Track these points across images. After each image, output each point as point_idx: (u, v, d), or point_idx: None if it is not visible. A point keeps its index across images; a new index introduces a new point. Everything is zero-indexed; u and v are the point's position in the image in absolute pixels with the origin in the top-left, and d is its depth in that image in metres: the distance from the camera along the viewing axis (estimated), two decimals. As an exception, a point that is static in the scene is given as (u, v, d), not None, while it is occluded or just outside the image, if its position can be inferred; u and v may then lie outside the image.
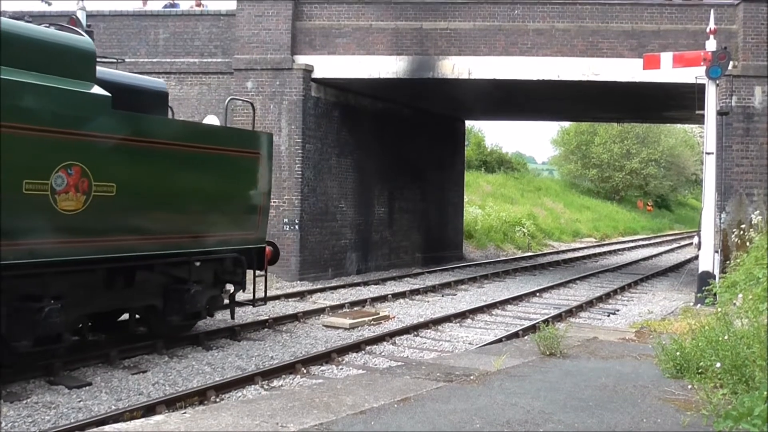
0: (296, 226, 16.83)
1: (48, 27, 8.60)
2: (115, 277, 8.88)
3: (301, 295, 14.80)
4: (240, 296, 11.27)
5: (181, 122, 10.71)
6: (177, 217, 9.45)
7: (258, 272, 11.11)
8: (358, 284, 16.95)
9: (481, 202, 32.53)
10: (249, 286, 11.01)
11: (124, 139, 8.49)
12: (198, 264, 9.87)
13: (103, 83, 8.46)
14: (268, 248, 11.07)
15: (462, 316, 13.17)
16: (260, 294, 11.36)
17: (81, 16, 11.12)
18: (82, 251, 8.12)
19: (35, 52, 7.78)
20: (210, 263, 10.18)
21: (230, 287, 10.95)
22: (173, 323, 9.76)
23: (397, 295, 15.29)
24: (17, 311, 7.60)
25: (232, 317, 10.99)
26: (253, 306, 11.35)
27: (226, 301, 10.88)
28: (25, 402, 7.34)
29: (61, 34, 8.47)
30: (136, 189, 8.64)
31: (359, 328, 11.84)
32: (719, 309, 7.13)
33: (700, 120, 14.61)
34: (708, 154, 13.70)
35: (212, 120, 11.14)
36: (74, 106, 8.01)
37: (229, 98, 11.73)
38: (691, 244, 19.07)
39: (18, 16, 8.84)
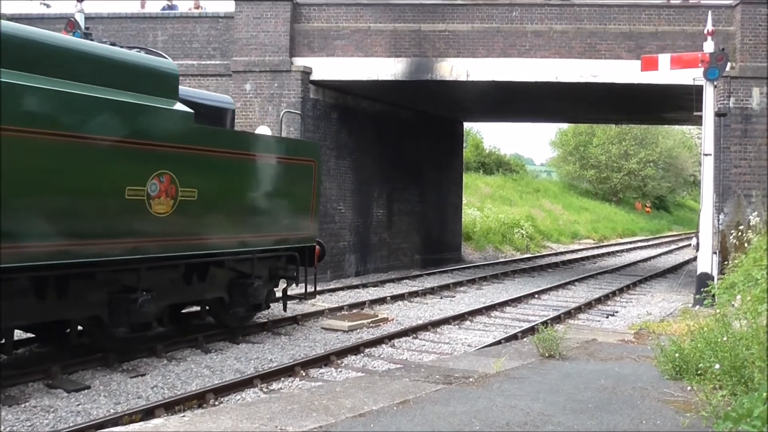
0: (295, 229, 16.82)
1: (139, 51, 9.73)
2: (192, 272, 9.93)
3: (291, 298, 14.74)
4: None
5: (249, 134, 11.77)
6: (245, 219, 10.47)
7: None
8: (356, 286, 16.94)
9: (479, 204, 32.54)
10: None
11: (204, 150, 9.57)
12: (260, 260, 10.85)
13: (184, 101, 9.45)
14: (317, 247, 12.01)
15: (461, 318, 13.17)
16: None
17: (79, 18, 11.11)
18: (170, 249, 9.14)
19: (133, 75, 8.79)
20: (269, 260, 11.20)
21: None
22: (238, 314, 10.83)
23: (395, 297, 15.28)
24: (117, 301, 8.65)
25: (285, 309, 11.95)
26: (305, 299, 12.36)
27: (279, 294, 11.75)
28: (23, 406, 7.33)
29: (150, 57, 9.54)
30: (212, 194, 9.68)
31: (358, 330, 11.83)
32: (718, 310, 7.13)
33: (698, 121, 14.63)
34: (706, 155, 13.72)
35: (264, 130, 12.08)
36: (165, 122, 9.03)
37: (284, 111, 12.59)
38: (690, 245, 19.08)
39: (106, 41, 9.65)
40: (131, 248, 8.55)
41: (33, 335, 9.64)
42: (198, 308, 10.97)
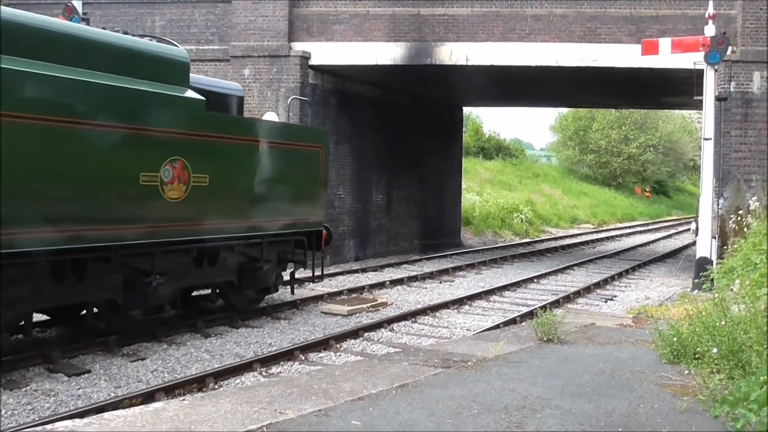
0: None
1: (150, 40, 9.86)
2: (203, 256, 10.22)
3: (299, 281, 14.78)
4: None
5: (259, 120, 11.86)
6: (255, 204, 10.70)
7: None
8: (356, 271, 16.96)
9: (479, 189, 32.53)
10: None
11: (215, 137, 9.77)
12: (269, 245, 11.11)
13: (194, 88, 9.62)
14: (324, 231, 12.25)
15: (460, 302, 13.20)
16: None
17: (77, 4, 11.07)
18: (182, 234, 9.38)
19: (146, 63, 8.99)
20: (278, 244, 11.51)
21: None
22: (248, 297, 11.21)
23: (395, 282, 15.31)
24: (132, 284, 8.90)
25: (292, 292, 12.23)
26: (313, 282, 12.71)
27: (287, 278, 12.09)
28: (24, 390, 7.36)
29: (162, 45, 9.71)
30: (223, 179, 9.87)
31: (357, 314, 11.86)
32: (716, 295, 7.16)
33: (698, 106, 14.58)
34: (706, 139, 13.69)
35: (271, 116, 12.25)
36: (177, 109, 9.26)
37: (291, 97, 12.67)
38: (689, 230, 19.09)
39: (117, 30, 9.75)
40: (146, 233, 8.79)
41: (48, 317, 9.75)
42: (209, 291, 11.14)
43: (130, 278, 8.94)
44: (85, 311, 9.32)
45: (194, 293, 11.42)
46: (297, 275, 12.45)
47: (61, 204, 7.79)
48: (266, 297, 12.19)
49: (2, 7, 7.97)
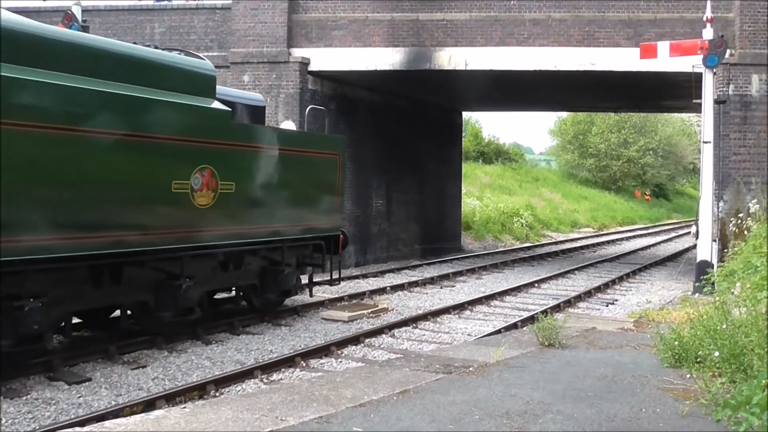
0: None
1: (180, 53, 10.25)
2: (229, 260, 10.57)
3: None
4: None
5: (281, 130, 12.27)
6: (277, 209, 11.13)
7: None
8: (356, 277, 16.95)
9: (479, 194, 32.53)
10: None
11: (241, 146, 10.22)
12: (289, 249, 11.54)
13: (220, 99, 10.04)
14: (341, 236, 12.63)
15: (460, 307, 13.19)
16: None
17: (77, 11, 11.10)
18: (211, 238, 9.81)
19: (177, 77, 9.45)
20: (298, 248, 11.91)
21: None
22: (270, 300, 11.55)
23: (395, 288, 15.30)
24: (163, 287, 9.31)
25: (311, 295, 12.69)
26: (330, 285, 13.00)
27: (305, 281, 12.51)
28: (25, 398, 7.35)
29: (191, 59, 10.11)
30: (248, 186, 10.35)
31: (358, 320, 11.84)
32: (717, 298, 7.14)
33: (697, 109, 14.59)
34: (705, 143, 13.69)
35: (289, 125, 12.59)
36: (207, 120, 9.71)
37: (309, 107, 12.99)
38: (689, 233, 19.08)
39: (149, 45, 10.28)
40: (177, 238, 9.24)
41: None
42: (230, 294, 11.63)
43: (162, 281, 9.38)
44: (110, 314, 9.89)
45: (216, 296, 11.86)
46: (314, 278, 12.81)
47: (100, 211, 8.21)
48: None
49: (65, 29, 8.84)
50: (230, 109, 10.04)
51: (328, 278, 12.66)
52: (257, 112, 11.88)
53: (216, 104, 9.86)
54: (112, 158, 8.28)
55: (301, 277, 12.42)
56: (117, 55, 8.74)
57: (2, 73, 7.13)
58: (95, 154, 8.07)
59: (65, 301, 8.27)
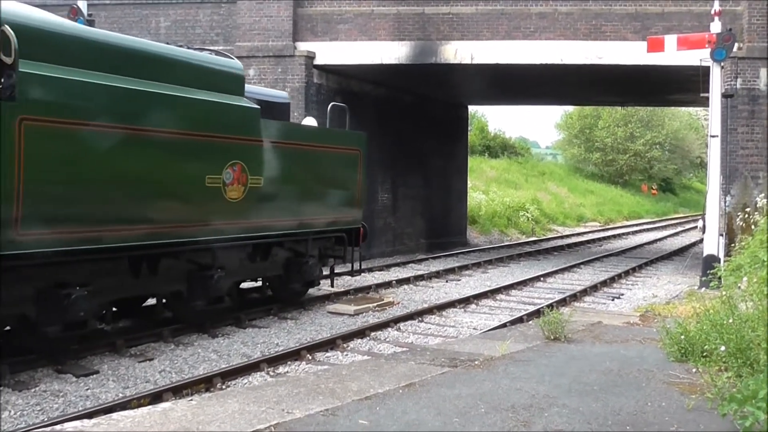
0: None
1: (211, 54, 10.61)
2: (257, 251, 11.00)
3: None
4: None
5: (306, 126, 12.54)
6: (302, 203, 11.55)
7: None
8: (341, 274, 16.88)
9: (484, 188, 32.48)
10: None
11: (269, 142, 10.59)
12: (313, 241, 11.94)
13: (248, 97, 10.43)
14: (362, 228, 13.03)
15: (466, 301, 13.19)
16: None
17: (82, 5, 11.11)
18: (241, 231, 10.23)
19: (210, 76, 9.86)
20: (321, 240, 12.31)
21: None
22: (295, 290, 11.98)
23: (401, 281, 15.31)
24: (196, 278, 9.76)
25: (332, 285, 13.19)
26: (351, 276, 13.54)
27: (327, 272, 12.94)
28: (33, 390, 7.39)
29: (221, 59, 10.50)
30: (276, 181, 10.70)
31: (364, 314, 11.86)
32: (724, 292, 7.14)
33: (704, 103, 14.53)
34: (713, 137, 13.64)
35: (310, 121, 12.84)
36: (237, 117, 10.09)
37: (331, 104, 13.23)
38: (696, 227, 19.03)
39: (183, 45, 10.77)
40: (210, 230, 9.65)
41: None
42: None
43: (194, 272, 9.81)
44: (143, 303, 10.44)
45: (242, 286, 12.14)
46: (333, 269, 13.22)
47: (140, 205, 8.66)
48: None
49: (109, 32, 9.28)
50: (259, 107, 10.38)
51: (350, 269, 13.07)
52: (283, 109, 12.25)
53: (245, 102, 10.26)
54: (152, 154, 8.74)
55: (323, 268, 12.83)
56: (156, 56, 9.21)
57: (68, 76, 7.72)
58: (137, 150, 8.53)
59: (107, 290, 8.72)
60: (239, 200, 9.98)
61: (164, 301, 10.17)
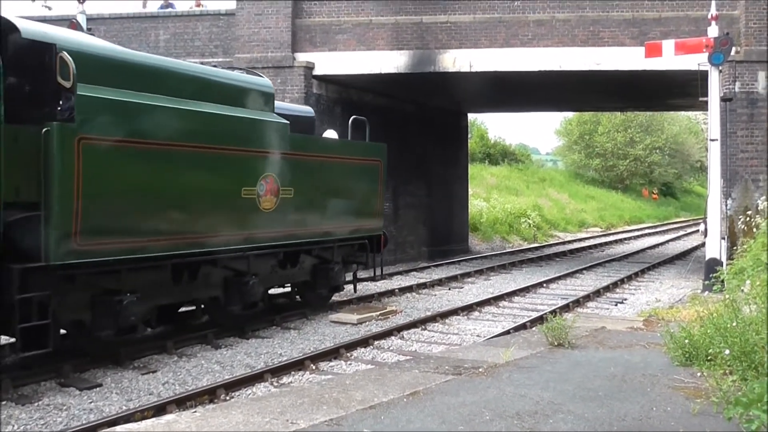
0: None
1: (242, 72, 11.42)
2: (287, 259, 11.65)
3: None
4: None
5: (331, 140, 13.09)
6: (328, 212, 12.13)
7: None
8: (364, 279, 16.93)
9: (485, 195, 32.49)
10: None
11: (298, 155, 11.28)
12: (338, 248, 12.56)
13: (277, 113, 11.05)
14: (383, 236, 13.69)
15: (469, 308, 13.18)
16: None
17: (81, 19, 11.17)
18: (273, 239, 10.89)
19: (243, 94, 10.55)
20: (345, 248, 12.91)
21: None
22: (321, 295, 12.63)
23: (404, 290, 15.29)
24: (232, 284, 10.35)
25: (355, 291, 13.73)
26: (373, 281, 14.31)
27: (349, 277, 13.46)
28: (36, 404, 7.38)
29: (252, 78, 11.24)
30: (304, 191, 11.40)
31: (367, 323, 11.85)
32: (727, 296, 7.12)
33: (703, 107, 14.53)
34: (712, 140, 13.65)
35: (331, 134, 13.33)
36: (269, 132, 10.70)
37: (352, 118, 13.62)
38: (698, 231, 19.02)
39: (228, 66, 11.73)
40: (245, 239, 10.32)
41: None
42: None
43: (231, 278, 10.38)
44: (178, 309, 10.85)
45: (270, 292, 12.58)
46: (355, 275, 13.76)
47: (183, 216, 9.26)
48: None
49: (154, 56, 10.26)
50: (288, 122, 11.00)
51: (371, 275, 13.73)
52: (308, 124, 12.91)
53: (276, 118, 10.90)
54: (195, 169, 9.40)
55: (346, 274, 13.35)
56: (197, 76, 9.96)
57: (119, 98, 8.34)
58: (181, 165, 9.18)
59: (153, 297, 9.21)
60: (272, 210, 10.65)
61: (203, 306, 10.70)
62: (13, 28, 7.84)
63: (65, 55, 7.80)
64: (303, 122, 12.48)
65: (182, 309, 10.92)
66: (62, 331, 8.66)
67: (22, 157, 7.45)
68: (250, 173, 10.29)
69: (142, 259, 8.72)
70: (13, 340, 8.05)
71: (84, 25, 10.99)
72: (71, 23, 10.70)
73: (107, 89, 8.22)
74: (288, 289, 13.03)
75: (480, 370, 6.38)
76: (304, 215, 11.49)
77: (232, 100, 10.16)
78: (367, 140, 13.64)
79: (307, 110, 13.51)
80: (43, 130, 7.58)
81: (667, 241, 31.14)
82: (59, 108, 7.92)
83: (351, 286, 13.73)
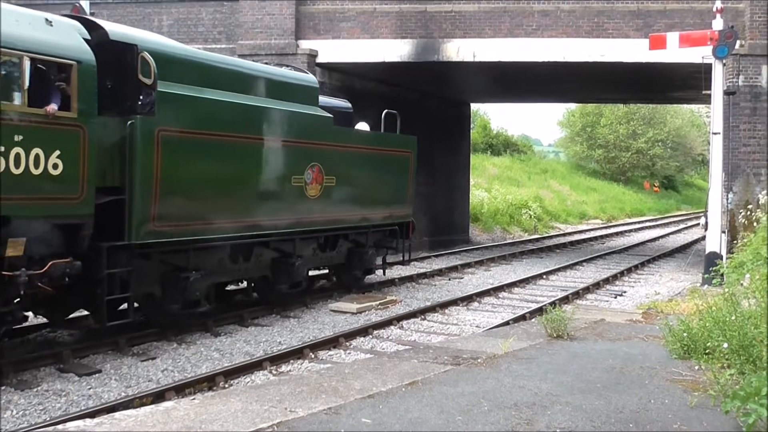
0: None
1: (288, 68, 12.36)
2: (326, 242, 12.56)
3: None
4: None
5: (368, 132, 13.88)
6: (365, 199, 13.03)
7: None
8: (394, 263, 16.79)
9: (487, 185, 32.45)
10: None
11: (339, 146, 12.21)
12: (372, 233, 13.44)
13: (320, 106, 11.99)
14: (411, 222, 14.50)
15: (469, 299, 13.19)
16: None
17: (84, 4, 11.12)
18: (317, 224, 11.81)
19: (293, 90, 11.48)
20: (377, 233, 13.75)
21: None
22: (356, 276, 13.57)
23: (403, 279, 15.30)
24: (280, 264, 11.26)
25: (384, 273, 14.64)
26: (402, 265, 15.26)
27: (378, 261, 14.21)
28: (35, 390, 7.40)
29: (299, 74, 12.24)
30: (345, 180, 12.28)
31: (366, 312, 11.87)
32: (726, 289, 7.13)
33: (706, 100, 14.51)
34: (715, 134, 13.61)
35: (363, 126, 13.97)
36: (315, 124, 11.68)
37: (385, 111, 14.27)
38: (698, 224, 19.01)
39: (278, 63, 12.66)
40: (293, 223, 11.26)
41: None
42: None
43: (278, 259, 11.24)
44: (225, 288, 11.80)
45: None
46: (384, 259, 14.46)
47: (242, 201, 10.19)
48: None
49: (220, 55, 11.42)
50: (332, 116, 11.92)
51: (401, 259, 14.62)
52: (347, 116, 13.61)
53: (321, 111, 11.86)
54: (253, 158, 10.32)
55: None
56: (255, 74, 10.83)
57: (191, 93, 9.24)
58: (242, 155, 10.08)
59: (214, 274, 10.13)
60: (316, 197, 11.60)
61: (253, 284, 11.64)
62: (102, 32, 8.69)
63: (146, 54, 8.67)
64: (342, 115, 13.21)
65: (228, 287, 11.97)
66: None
67: (108, 147, 8.29)
68: (299, 163, 11.20)
69: (207, 240, 9.64)
70: (86, 313, 9.21)
71: (87, 9, 10.95)
72: (74, 7, 10.65)
73: (181, 86, 9.13)
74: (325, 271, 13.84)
75: (479, 360, 6.40)
76: (344, 202, 12.36)
77: (284, 95, 11.09)
78: (398, 132, 14.32)
79: (346, 104, 14.19)
80: (128, 122, 8.44)
81: (668, 234, 31.13)
82: (140, 102, 8.80)
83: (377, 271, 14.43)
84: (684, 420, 4.69)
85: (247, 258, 10.73)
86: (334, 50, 17.09)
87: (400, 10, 16.92)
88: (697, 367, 5.90)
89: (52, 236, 7.67)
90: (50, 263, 7.56)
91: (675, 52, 14.08)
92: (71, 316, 9.37)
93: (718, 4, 13.47)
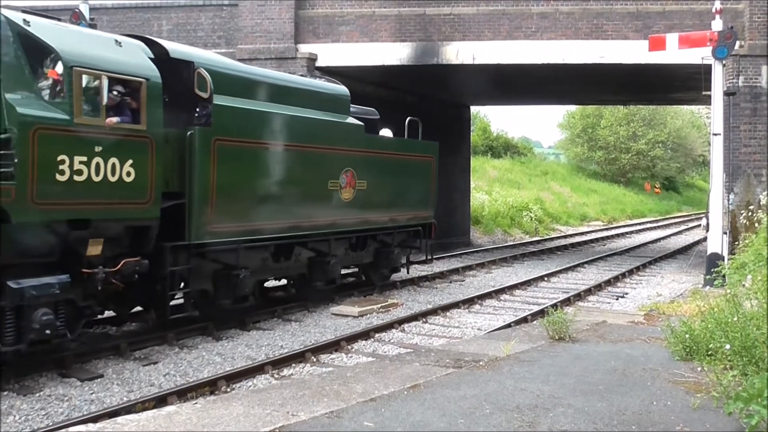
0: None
1: (320, 79, 13.44)
2: (357, 242, 13.35)
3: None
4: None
5: (395, 138, 14.68)
6: (392, 202, 13.90)
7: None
8: (417, 262, 16.76)
9: (487, 188, 32.45)
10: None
11: (370, 152, 13.13)
12: (397, 234, 14.31)
13: (351, 115, 12.86)
14: (433, 224, 15.32)
15: (470, 302, 13.18)
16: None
17: (84, 9, 11.12)
18: (350, 225, 12.66)
19: (328, 100, 12.33)
20: (403, 233, 14.62)
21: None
22: (383, 275, 14.43)
23: (405, 282, 15.29)
24: (316, 263, 12.12)
25: (408, 272, 15.39)
26: (426, 263, 15.86)
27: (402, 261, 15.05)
28: (38, 395, 7.40)
29: (332, 85, 13.12)
30: (375, 184, 13.10)
31: (368, 315, 11.86)
32: (728, 290, 7.11)
33: (706, 101, 14.52)
34: (715, 135, 13.62)
35: (387, 132, 14.61)
36: (349, 132, 12.60)
37: (408, 119, 14.88)
38: (700, 225, 19.00)
39: (305, 74, 13.88)
40: (328, 224, 12.07)
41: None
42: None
43: (314, 258, 12.05)
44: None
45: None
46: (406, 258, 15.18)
47: (285, 204, 11.02)
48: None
49: (265, 69, 12.49)
50: (363, 124, 12.75)
51: (423, 258, 15.33)
52: (374, 124, 14.25)
53: (352, 120, 12.69)
54: (295, 164, 11.10)
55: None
56: (296, 86, 11.76)
57: (242, 106, 10.07)
58: (286, 161, 10.86)
59: (259, 272, 11.01)
60: (350, 200, 12.44)
61: (292, 282, 12.51)
62: (163, 50, 9.47)
63: (203, 70, 9.51)
64: (370, 122, 13.92)
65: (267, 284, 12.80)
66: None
67: (170, 156, 9.08)
68: (334, 168, 12.06)
69: (255, 240, 10.43)
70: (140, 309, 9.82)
71: (87, 15, 10.95)
72: (74, 13, 10.68)
73: (233, 98, 9.95)
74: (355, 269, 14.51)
75: (481, 363, 6.39)
76: (374, 205, 13.20)
77: (321, 105, 11.95)
78: (420, 138, 14.92)
79: (373, 112, 14.75)
80: (188, 133, 9.29)
81: (669, 236, 31.11)
82: (197, 114, 9.60)
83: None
84: (687, 422, 4.69)
85: (288, 257, 11.51)
86: (333, 54, 17.11)
87: (399, 14, 16.94)
88: (699, 369, 5.89)
89: (124, 237, 8.56)
90: (123, 262, 8.41)
91: (674, 53, 14.09)
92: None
93: (718, 5, 13.49)
